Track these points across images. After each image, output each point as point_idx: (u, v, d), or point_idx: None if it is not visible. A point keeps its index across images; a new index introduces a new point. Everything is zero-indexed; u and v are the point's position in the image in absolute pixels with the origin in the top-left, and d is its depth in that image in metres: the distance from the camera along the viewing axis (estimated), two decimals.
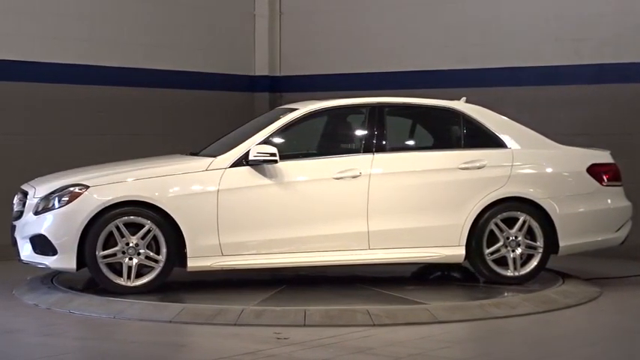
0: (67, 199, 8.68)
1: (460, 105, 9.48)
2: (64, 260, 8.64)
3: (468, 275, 9.58)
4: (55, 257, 8.68)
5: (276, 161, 8.77)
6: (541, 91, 12.17)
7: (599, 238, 9.44)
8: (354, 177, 8.93)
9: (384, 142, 9.16)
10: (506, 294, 8.81)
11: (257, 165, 8.81)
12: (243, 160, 8.84)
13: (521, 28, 12.33)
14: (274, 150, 8.78)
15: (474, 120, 9.37)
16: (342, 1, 13.61)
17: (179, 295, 8.83)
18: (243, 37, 13.96)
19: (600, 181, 9.40)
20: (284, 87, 13.93)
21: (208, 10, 13.47)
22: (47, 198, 8.78)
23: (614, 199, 9.47)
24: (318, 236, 8.89)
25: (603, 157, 9.57)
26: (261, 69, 14.01)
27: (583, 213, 9.32)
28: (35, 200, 8.85)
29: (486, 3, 12.61)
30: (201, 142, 9.82)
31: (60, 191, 8.76)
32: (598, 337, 7.77)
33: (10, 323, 8.05)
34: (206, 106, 13.29)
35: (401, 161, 9.13)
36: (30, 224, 8.84)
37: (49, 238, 8.67)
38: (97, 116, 12.22)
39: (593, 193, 9.36)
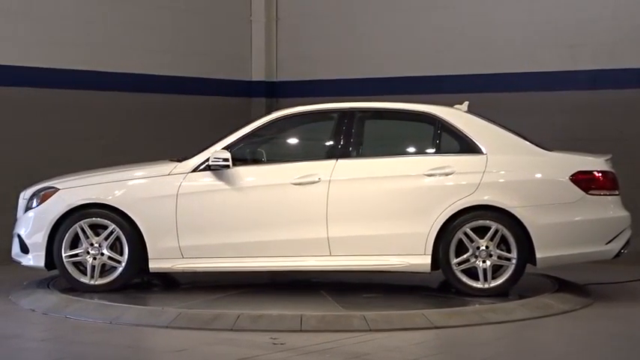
0: (40, 200, 9.14)
1: (437, 109, 9.16)
2: (35, 259, 9.11)
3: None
4: (28, 256, 9.16)
5: (228, 166, 8.85)
6: (537, 97, 12.20)
7: (585, 251, 8.91)
8: (312, 183, 8.86)
9: (350, 148, 9.07)
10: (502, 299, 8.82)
11: (217, 170, 8.90)
12: (205, 165, 8.95)
13: (518, 34, 12.36)
14: (227, 155, 8.85)
15: (451, 125, 9.05)
16: (338, 7, 13.63)
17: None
18: (239, 43, 13.98)
19: (586, 189, 8.85)
20: (280, 92, 13.95)
21: (205, 15, 13.49)
22: (31, 199, 9.22)
23: (603, 209, 8.90)
24: (277, 241, 8.86)
25: (594, 164, 9.00)
26: (257, 74, 14.03)
27: (564, 223, 8.81)
28: (25, 201, 9.31)
29: (483, 9, 12.64)
30: (197, 148, 9.81)
31: (37, 193, 9.19)
32: (594, 343, 7.78)
33: (6, 328, 8.05)
34: (203, 112, 13.30)
35: (364, 167, 8.99)
36: (17, 224, 9.33)
37: (23, 238, 9.18)
38: (92, 121, 12.22)
39: (576, 202, 8.83)
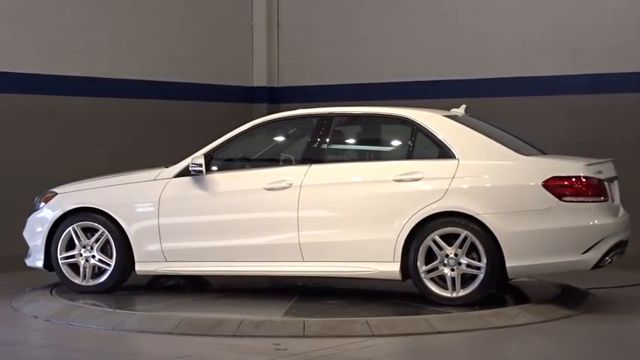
0: (41, 204, 9.55)
1: (413, 113, 8.98)
2: (36, 260, 9.48)
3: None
4: (30, 257, 9.57)
5: (201, 172, 8.99)
6: (538, 101, 12.20)
7: (559, 260, 8.45)
8: (284, 188, 8.86)
9: (324, 153, 9.06)
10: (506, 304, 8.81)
11: (195, 175, 9.05)
12: (186, 171, 9.12)
13: (518, 39, 12.36)
14: (201, 161, 8.99)
15: (426, 129, 8.81)
16: (339, 13, 13.64)
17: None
18: (241, 49, 13.98)
19: (560, 195, 8.39)
20: (282, 98, 13.95)
21: (206, 21, 13.49)
22: (37, 202, 9.63)
23: (579, 217, 8.40)
24: (252, 246, 8.92)
25: (570, 169, 8.54)
26: (259, 80, 14.04)
27: (535, 231, 8.38)
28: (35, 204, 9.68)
29: (483, 13, 12.64)
30: None
31: (40, 197, 9.61)
32: (597, 347, 7.77)
33: (9, 335, 8.05)
34: (204, 118, 13.30)
35: (336, 172, 8.94)
36: (25, 226, 9.70)
37: (26, 239, 9.60)
38: (95, 128, 12.24)
39: (549, 210, 8.39)
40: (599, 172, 8.69)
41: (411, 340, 7.79)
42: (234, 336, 7.83)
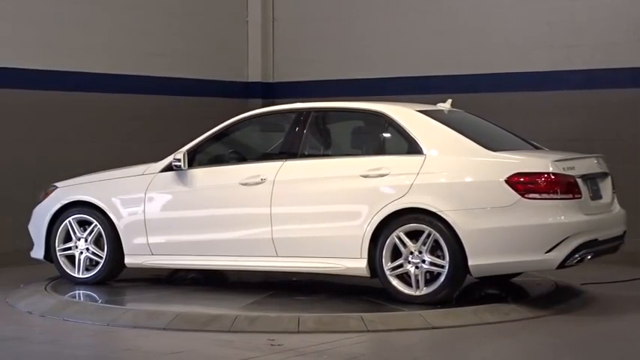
0: (42, 197, 9.81)
1: (386, 108, 8.87)
2: (37, 251, 9.77)
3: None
4: (33, 248, 9.81)
5: (181, 167, 9.13)
6: (533, 97, 12.19)
7: (521, 259, 8.24)
8: (257, 183, 8.90)
9: (299, 149, 9.05)
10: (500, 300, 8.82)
11: (177, 171, 9.20)
12: (171, 166, 9.27)
13: (514, 34, 12.36)
14: (180, 156, 9.14)
15: (397, 124, 8.72)
16: (334, 8, 13.63)
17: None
18: (236, 44, 13.97)
19: (523, 192, 8.13)
20: (277, 93, 13.95)
21: (201, 16, 13.48)
22: (41, 196, 9.84)
23: (542, 215, 8.13)
24: (228, 240, 9.02)
25: (535, 165, 8.28)
26: (254, 75, 14.03)
27: (497, 229, 8.16)
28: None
29: (479, 9, 12.64)
30: None
31: (43, 190, 9.85)
32: (590, 343, 7.78)
33: (3, 331, 8.05)
34: (199, 113, 13.27)
35: (308, 168, 8.93)
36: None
37: (30, 232, 9.86)
38: (92, 123, 12.23)
39: (511, 207, 8.14)
40: (571, 168, 8.42)
41: (406, 335, 7.80)
42: (229, 331, 7.85)
